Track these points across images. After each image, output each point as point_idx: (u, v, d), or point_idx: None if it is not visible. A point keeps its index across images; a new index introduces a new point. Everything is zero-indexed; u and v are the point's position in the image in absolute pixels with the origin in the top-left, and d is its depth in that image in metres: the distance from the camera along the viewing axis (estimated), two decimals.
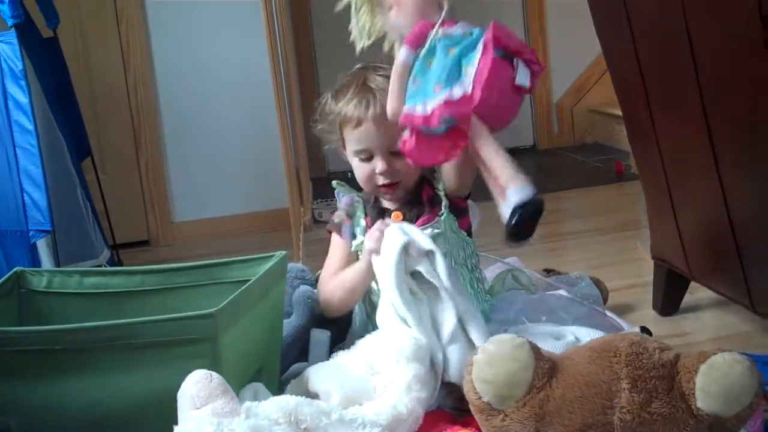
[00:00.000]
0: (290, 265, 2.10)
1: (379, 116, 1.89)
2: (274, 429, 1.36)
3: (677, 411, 1.41)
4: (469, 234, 2.03)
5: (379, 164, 1.93)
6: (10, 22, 2.57)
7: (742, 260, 2.04)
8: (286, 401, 1.47)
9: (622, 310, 2.49)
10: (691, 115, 2.03)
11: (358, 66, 2.02)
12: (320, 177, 4.68)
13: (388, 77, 1.90)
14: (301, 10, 4.98)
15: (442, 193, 1.98)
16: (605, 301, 2.40)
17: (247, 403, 1.45)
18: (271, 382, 1.78)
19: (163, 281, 1.97)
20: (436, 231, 1.95)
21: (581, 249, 3.27)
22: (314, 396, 1.69)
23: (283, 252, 1.92)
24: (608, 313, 2.22)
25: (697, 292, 2.52)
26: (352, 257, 2.01)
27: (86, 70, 3.90)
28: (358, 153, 1.95)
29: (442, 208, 1.97)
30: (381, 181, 1.95)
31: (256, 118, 3.98)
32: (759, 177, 1.91)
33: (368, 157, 1.95)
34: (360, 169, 1.96)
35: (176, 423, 1.43)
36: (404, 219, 1.96)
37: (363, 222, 2.02)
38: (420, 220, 1.96)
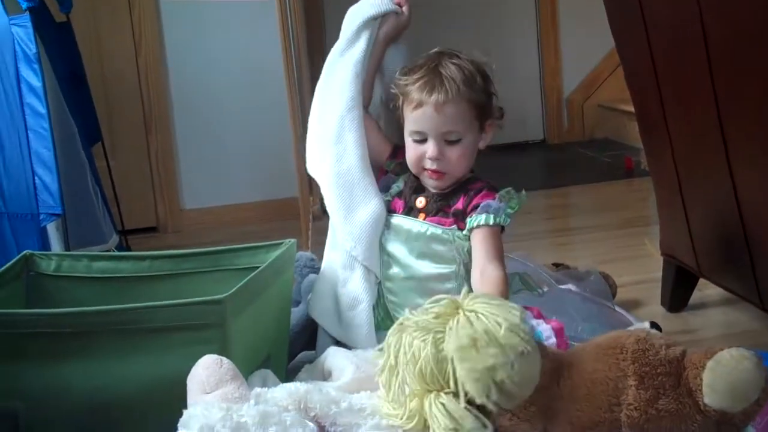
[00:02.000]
0: (299, 253, 2.10)
1: (441, 103, 1.91)
2: (283, 415, 1.36)
3: (684, 407, 1.41)
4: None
5: (431, 148, 1.94)
6: (24, 5, 2.57)
7: (752, 257, 2.04)
8: (296, 388, 1.47)
9: (631, 305, 2.49)
10: (704, 111, 2.02)
11: (436, 49, 2.03)
12: None
13: (460, 66, 1.95)
14: (314, 1, 4.99)
15: (467, 232, 1.94)
16: (614, 296, 2.40)
17: (257, 389, 1.46)
18: (278, 369, 1.79)
19: (171, 267, 1.97)
20: (446, 236, 1.94)
21: (590, 244, 3.26)
22: (328, 376, 1.70)
23: (293, 240, 1.92)
24: (617, 308, 2.21)
25: (705, 289, 2.52)
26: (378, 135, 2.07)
27: (98, 56, 3.90)
28: (413, 133, 1.96)
29: (462, 234, 1.93)
30: (429, 165, 1.95)
31: (267, 106, 3.97)
32: None
33: (422, 140, 1.95)
34: (412, 149, 1.97)
35: (185, 408, 1.43)
36: (426, 206, 1.97)
37: (401, 185, 2.03)
38: (437, 219, 1.96)
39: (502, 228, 1.91)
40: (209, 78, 4.04)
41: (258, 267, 1.78)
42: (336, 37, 2.06)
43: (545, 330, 1.80)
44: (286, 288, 1.90)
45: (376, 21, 2.06)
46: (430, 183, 1.98)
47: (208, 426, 1.31)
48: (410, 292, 1.97)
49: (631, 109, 2.50)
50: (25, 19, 2.58)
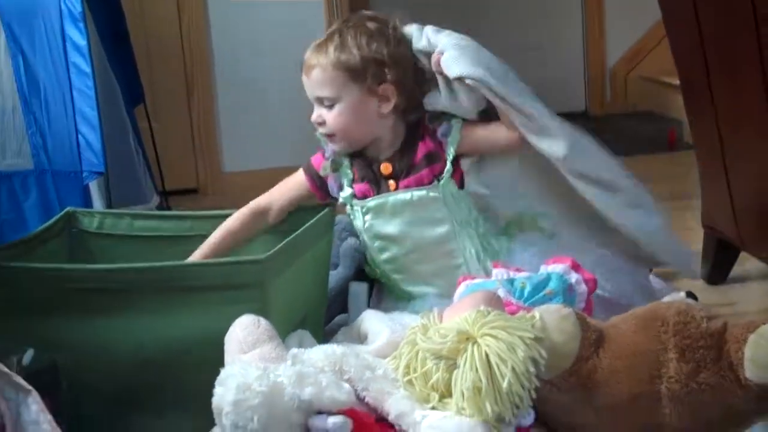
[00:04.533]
0: (338, 217, 2.11)
1: (308, 68, 1.95)
2: (319, 377, 1.36)
3: (725, 381, 1.40)
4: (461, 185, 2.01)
5: (314, 113, 1.96)
6: None
7: None
8: (333, 350, 1.48)
9: (670, 277, 2.47)
10: (751, 82, 2.00)
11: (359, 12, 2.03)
12: None
13: (355, 29, 1.94)
14: None
15: (450, 157, 1.96)
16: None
17: (294, 350, 1.46)
18: (315, 330, 1.79)
19: (212, 227, 1.98)
20: (432, 194, 1.94)
21: None
22: (364, 338, 1.70)
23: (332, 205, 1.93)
24: (651, 277, 2.19)
25: (746, 263, 2.49)
26: (300, 200, 2.06)
27: (141, 17, 3.89)
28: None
29: (444, 172, 1.95)
30: (319, 129, 1.96)
31: None
32: None
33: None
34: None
35: (223, 366, 1.44)
36: (393, 171, 1.96)
37: (350, 173, 2.00)
38: (413, 179, 1.95)
39: None
40: (251, 41, 4.03)
41: (298, 230, 1.78)
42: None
43: (575, 278, 1.79)
44: (324, 251, 1.90)
45: None
46: (335, 146, 1.98)
47: (245, 384, 1.32)
48: (415, 265, 1.97)
49: (675, 81, 2.48)
50: None
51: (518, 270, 1.91)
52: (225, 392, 1.32)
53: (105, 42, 2.84)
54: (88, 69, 2.53)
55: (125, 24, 3.27)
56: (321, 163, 2.01)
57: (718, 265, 2.46)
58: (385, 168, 1.96)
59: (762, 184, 2.11)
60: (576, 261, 1.83)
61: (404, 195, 1.94)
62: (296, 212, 1.98)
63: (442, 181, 1.94)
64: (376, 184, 1.96)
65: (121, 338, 1.61)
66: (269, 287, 1.59)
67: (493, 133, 1.97)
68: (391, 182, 1.95)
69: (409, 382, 1.43)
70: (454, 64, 1.88)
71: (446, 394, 1.39)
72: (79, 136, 2.50)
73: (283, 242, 1.68)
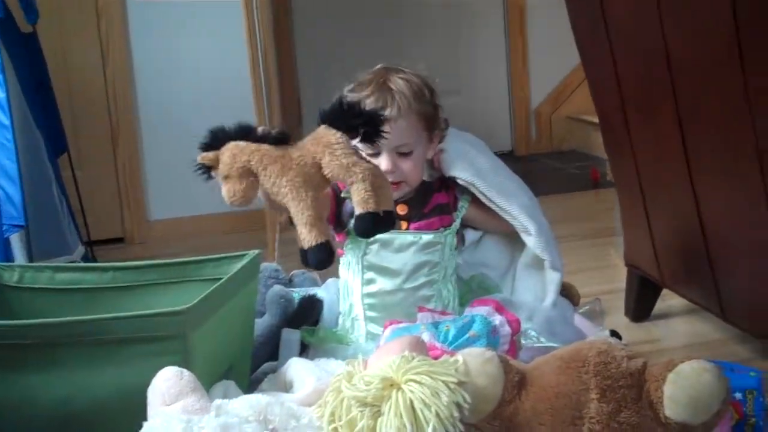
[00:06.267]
0: (264, 264, 2.10)
1: (393, 118, 1.94)
2: (244, 427, 1.36)
3: (646, 420, 1.41)
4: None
5: (384, 162, 1.96)
6: None
7: (713, 268, 2.06)
8: (257, 400, 1.47)
9: (595, 315, 2.50)
10: (667, 125, 2.04)
11: (380, 65, 2.05)
12: None
13: (408, 80, 1.99)
14: (282, 11, 4.99)
15: (460, 214, 2.08)
16: (576, 304, 2.41)
17: (218, 401, 1.45)
18: (241, 380, 1.78)
19: (135, 278, 1.96)
20: (436, 241, 2.01)
21: None
22: (289, 387, 1.69)
23: (257, 251, 1.91)
24: (577, 317, 2.22)
25: (669, 299, 2.53)
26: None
27: (64, 67, 3.88)
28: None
29: (451, 226, 2.05)
30: (389, 178, 1.97)
31: (234, 118, 3.89)
32: (732, 186, 1.92)
33: (375, 153, 1.96)
34: None
35: (146, 419, 1.42)
36: (407, 214, 2.02)
37: None
38: (424, 223, 2.02)
39: None
40: (176, 89, 4.03)
41: (222, 278, 1.77)
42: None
43: (499, 320, 1.81)
44: (249, 299, 1.89)
45: None
46: None
47: None
48: (393, 305, 1.99)
49: (597, 120, 2.53)
50: None
51: (443, 313, 1.92)
52: None
53: (27, 92, 2.82)
54: (7, 121, 2.51)
55: (47, 73, 3.25)
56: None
57: (642, 302, 2.50)
58: (401, 208, 2.02)
59: (681, 223, 2.15)
60: (500, 303, 1.85)
61: (414, 236, 2.00)
62: (220, 260, 1.97)
63: (447, 233, 2.02)
64: None
65: (41, 394, 1.58)
66: (191, 338, 1.57)
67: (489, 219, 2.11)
68: (403, 222, 2.01)
69: (335, 429, 1.43)
70: (449, 164, 2.03)
71: None
72: None
73: (206, 292, 1.67)
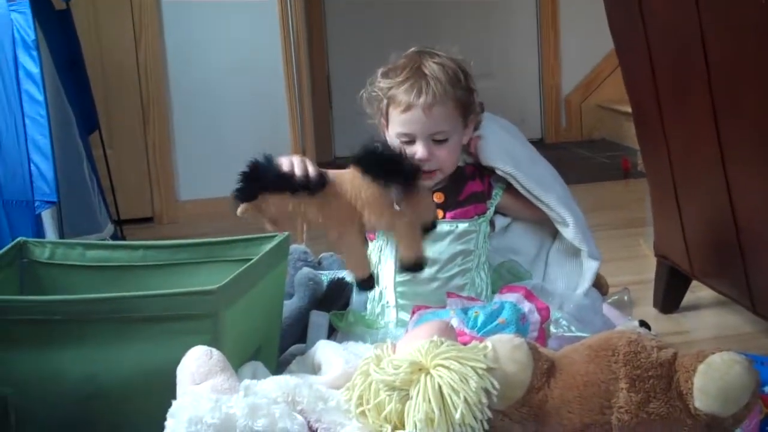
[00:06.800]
0: (293, 246, 2.10)
1: (429, 104, 1.92)
2: (272, 408, 1.36)
3: (675, 411, 1.41)
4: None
5: (420, 150, 1.94)
6: None
7: (745, 261, 2.04)
8: (286, 381, 1.47)
9: (624, 306, 2.49)
10: (700, 112, 2.02)
11: (413, 49, 2.03)
12: (327, 161, 4.67)
13: (442, 65, 1.96)
14: None
15: (494, 202, 2.06)
16: (605, 294, 2.40)
17: (246, 381, 1.46)
18: (269, 361, 1.78)
19: (165, 257, 1.96)
20: (472, 230, 2.00)
21: None
22: (318, 369, 1.70)
23: (286, 233, 1.92)
24: (605, 306, 2.22)
25: (698, 291, 2.52)
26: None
27: (97, 45, 3.89)
28: (400, 135, 1.96)
29: (486, 214, 2.04)
30: (424, 166, 1.96)
31: (264, 99, 3.97)
32: (766, 177, 1.91)
33: (410, 141, 1.95)
34: None
35: (171, 398, 1.43)
36: (444, 202, 2.00)
37: None
38: (460, 211, 2.00)
39: None
40: (208, 70, 4.04)
41: (251, 259, 1.78)
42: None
43: (528, 307, 1.80)
44: (279, 281, 1.89)
45: None
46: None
47: (196, 417, 1.31)
48: (427, 293, 1.99)
49: (629, 109, 2.51)
50: (25, 6, 2.57)
51: (472, 299, 1.92)
52: (176, 424, 1.31)
53: (60, 69, 2.83)
54: (40, 97, 2.51)
55: (80, 51, 3.26)
56: None
57: (671, 293, 2.48)
58: (438, 197, 2.00)
59: (713, 215, 2.13)
60: (529, 290, 1.85)
61: (450, 225, 1.99)
62: (250, 241, 1.97)
63: (482, 221, 2.02)
64: None
65: (71, 370, 1.59)
66: (222, 318, 1.58)
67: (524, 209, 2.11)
68: (440, 211, 1.99)
69: (362, 413, 1.43)
70: (488, 153, 2.03)
71: (399, 425, 1.39)
72: (32, 165, 2.48)
73: (237, 272, 1.67)
